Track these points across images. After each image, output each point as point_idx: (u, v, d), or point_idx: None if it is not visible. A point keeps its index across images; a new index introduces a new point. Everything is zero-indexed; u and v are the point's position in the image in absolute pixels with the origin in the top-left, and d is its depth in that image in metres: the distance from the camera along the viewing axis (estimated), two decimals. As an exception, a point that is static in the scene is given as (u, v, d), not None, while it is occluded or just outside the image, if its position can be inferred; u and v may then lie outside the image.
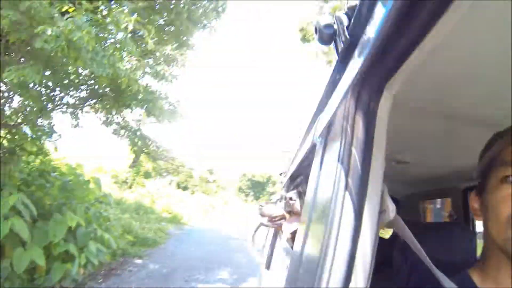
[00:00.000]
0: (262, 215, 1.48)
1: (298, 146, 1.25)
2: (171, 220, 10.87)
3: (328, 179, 0.49)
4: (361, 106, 0.43)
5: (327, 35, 0.48)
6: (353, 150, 0.43)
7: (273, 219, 1.47)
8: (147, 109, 4.99)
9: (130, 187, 12.16)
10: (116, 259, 4.59)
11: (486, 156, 0.57)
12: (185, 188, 22.38)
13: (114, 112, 5.19)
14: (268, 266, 1.67)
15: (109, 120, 5.33)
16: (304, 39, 6.73)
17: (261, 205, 1.50)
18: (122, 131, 5.66)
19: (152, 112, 5.20)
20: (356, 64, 0.42)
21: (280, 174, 2.66)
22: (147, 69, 4.58)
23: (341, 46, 0.46)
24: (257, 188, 53.26)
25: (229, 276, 5.01)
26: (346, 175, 0.43)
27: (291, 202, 1.03)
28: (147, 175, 13.84)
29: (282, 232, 1.49)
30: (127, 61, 4.17)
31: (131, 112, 5.31)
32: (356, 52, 0.42)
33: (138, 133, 6.03)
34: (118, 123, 5.54)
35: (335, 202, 0.42)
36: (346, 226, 0.40)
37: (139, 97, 4.47)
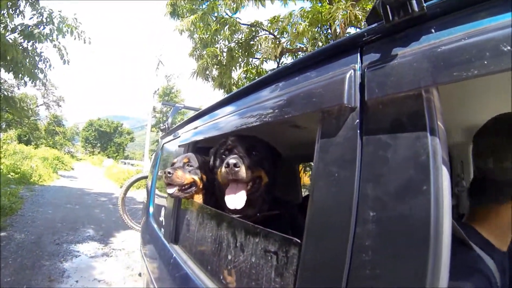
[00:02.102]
0: (171, 184, 1.28)
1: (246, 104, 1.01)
2: (20, 181, 10.04)
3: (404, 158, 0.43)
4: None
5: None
6: (440, 124, 0.43)
7: (184, 188, 1.31)
8: (13, 70, 4.68)
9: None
10: (-21, 237, 4.18)
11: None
12: (27, 142, 18.65)
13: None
14: (173, 240, 1.49)
15: None
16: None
17: (169, 173, 1.27)
18: None
19: (18, 72, 4.87)
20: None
21: (162, 130, 2.52)
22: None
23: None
24: (104, 138, 49.09)
25: (95, 233, 5.37)
26: (441, 149, 0.39)
27: (236, 169, 0.97)
28: (-17, 132, 11.38)
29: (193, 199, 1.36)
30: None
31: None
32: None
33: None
34: None
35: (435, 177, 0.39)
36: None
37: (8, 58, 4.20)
